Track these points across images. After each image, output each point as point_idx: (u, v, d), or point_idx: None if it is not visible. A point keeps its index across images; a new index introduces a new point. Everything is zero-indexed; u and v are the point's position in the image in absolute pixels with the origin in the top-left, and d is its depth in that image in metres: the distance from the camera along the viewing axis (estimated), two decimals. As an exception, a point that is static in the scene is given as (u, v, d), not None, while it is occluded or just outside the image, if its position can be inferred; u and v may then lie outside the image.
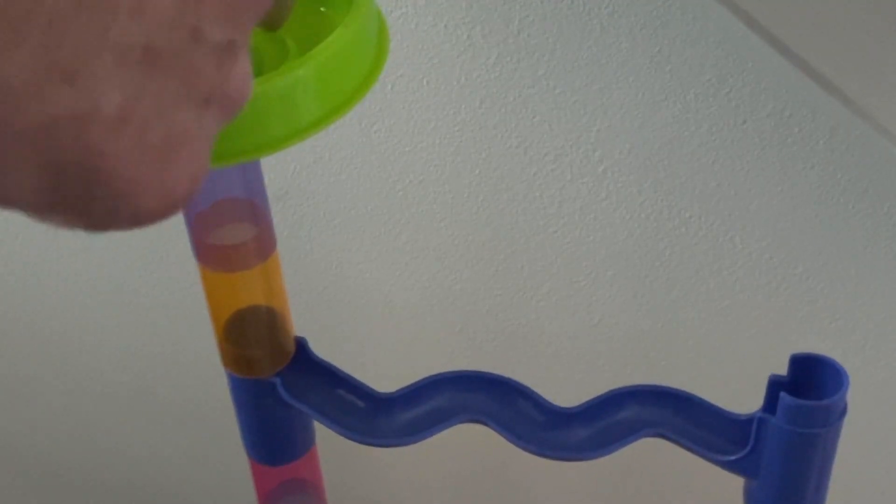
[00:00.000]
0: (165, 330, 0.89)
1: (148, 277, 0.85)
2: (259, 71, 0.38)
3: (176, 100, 0.24)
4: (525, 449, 0.48)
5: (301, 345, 0.51)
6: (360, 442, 0.49)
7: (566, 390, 0.82)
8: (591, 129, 0.68)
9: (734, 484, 0.50)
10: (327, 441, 0.54)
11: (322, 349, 0.52)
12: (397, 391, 0.49)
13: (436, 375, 0.49)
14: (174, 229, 0.81)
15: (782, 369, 0.47)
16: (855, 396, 0.46)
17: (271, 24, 0.34)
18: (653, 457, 0.65)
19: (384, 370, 0.83)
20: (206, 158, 0.26)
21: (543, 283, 0.78)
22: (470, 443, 0.63)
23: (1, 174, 0.23)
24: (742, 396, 0.51)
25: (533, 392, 0.49)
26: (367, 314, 0.84)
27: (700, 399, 0.48)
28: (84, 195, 0.24)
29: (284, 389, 0.49)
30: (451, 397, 0.49)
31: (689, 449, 0.48)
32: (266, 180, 0.46)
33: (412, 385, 0.49)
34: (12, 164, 0.23)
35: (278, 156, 0.36)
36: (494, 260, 0.77)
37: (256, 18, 0.26)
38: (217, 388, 0.55)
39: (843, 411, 0.45)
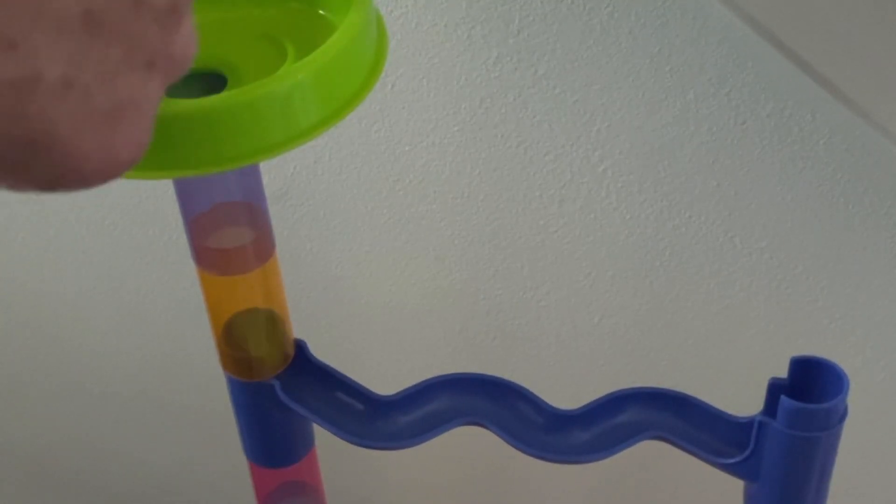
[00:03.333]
0: (165, 332, 0.89)
1: (147, 279, 0.85)
2: (257, 75, 0.38)
3: (119, 65, 0.24)
4: (524, 451, 0.48)
5: (300, 347, 0.51)
6: (359, 445, 0.49)
7: (566, 390, 0.82)
8: (591, 129, 0.68)
9: (734, 487, 0.50)
10: (327, 443, 0.54)
11: (321, 351, 0.51)
12: (396, 394, 0.49)
13: (435, 378, 0.49)
14: (173, 231, 0.81)
15: (782, 369, 0.47)
16: (855, 397, 0.46)
17: None
18: (653, 459, 0.65)
19: (384, 372, 0.83)
20: (150, 122, 0.26)
21: (543, 283, 0.77)
22: (469, 445, 0.63)
23: None
24: (742, 396, 0.51)
25: (532, 394, 0.49)
26: (367, 315, 0.84)
27: (700, 402, 0.48)
28: (29, 160, 0.24)
29: (283, 392, 0.49)
30: (451, 400, 0.49)
31: (689, 451, 0.48)
32: (266, 180, 0.46)
33: (411, 388, 0.49)
34: None
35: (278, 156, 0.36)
36: (494, 260, 0.77)
37: None
38: (216, 391, 0.55)
39: (844, 414, 0.45)
